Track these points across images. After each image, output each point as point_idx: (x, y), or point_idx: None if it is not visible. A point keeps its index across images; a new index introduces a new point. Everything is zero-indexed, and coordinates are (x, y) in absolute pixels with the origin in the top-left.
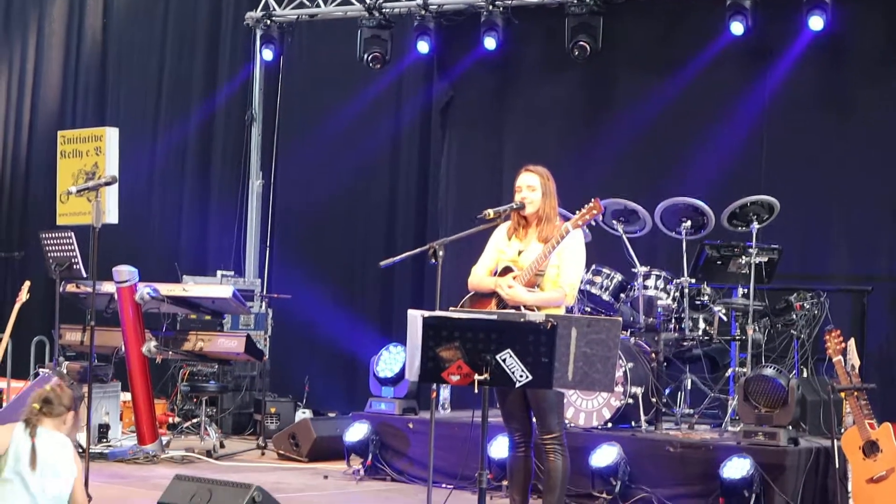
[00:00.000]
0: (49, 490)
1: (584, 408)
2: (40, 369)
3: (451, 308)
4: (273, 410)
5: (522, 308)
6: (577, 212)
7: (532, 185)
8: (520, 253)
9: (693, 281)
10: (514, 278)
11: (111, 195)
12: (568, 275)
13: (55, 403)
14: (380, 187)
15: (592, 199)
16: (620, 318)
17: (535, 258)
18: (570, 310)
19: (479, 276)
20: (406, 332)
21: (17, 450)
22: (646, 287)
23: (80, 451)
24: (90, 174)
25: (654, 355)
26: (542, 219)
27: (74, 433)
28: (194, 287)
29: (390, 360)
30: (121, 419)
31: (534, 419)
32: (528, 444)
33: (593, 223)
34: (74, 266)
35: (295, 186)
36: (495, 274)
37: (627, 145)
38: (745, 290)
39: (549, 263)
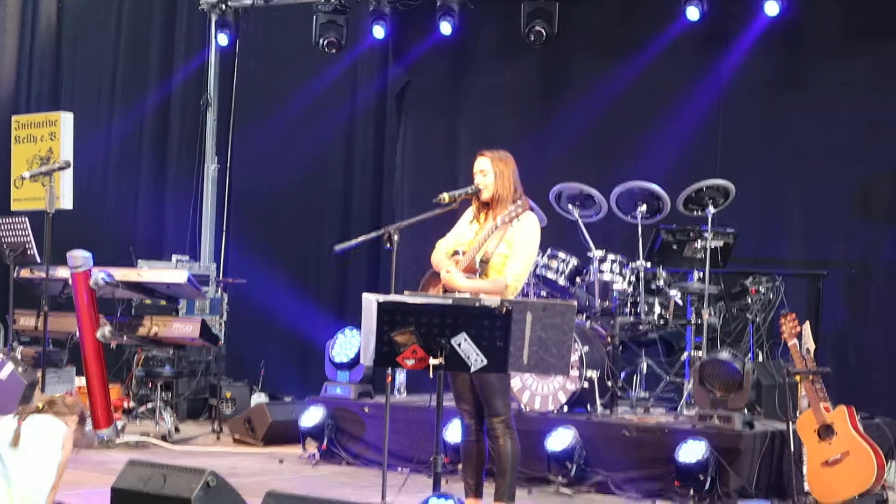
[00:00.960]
0: (27, 476)
1: (540, 391)
2: None
3: (406, 291)
4: (228, 395)
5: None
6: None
7: (484, 170)
8: (476, 236)
9: (649, 265)
10: (457, 263)
11: (65, 180)
12: (513, 266)
13: (59, 405)
14: (335, 172)
15: (521, 198)
16: (575, 303)
17: (477, 240)
18: (524, 294)
19: (438, 254)
20: (361, 317)
21: (1, 429)
22: (601, 271)
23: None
24: (45, 159)
25: (609, 339)
26: (499, 202)
27: (76, 448)
28: (149, 272)
29: (346, 345)
30: None
31: None
32: (481, 428)
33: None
34: (28, 251)
35: (250, 171)
36: (452, 256)
37: (583, 130)
38: (701, 275)
39: (497, 250)
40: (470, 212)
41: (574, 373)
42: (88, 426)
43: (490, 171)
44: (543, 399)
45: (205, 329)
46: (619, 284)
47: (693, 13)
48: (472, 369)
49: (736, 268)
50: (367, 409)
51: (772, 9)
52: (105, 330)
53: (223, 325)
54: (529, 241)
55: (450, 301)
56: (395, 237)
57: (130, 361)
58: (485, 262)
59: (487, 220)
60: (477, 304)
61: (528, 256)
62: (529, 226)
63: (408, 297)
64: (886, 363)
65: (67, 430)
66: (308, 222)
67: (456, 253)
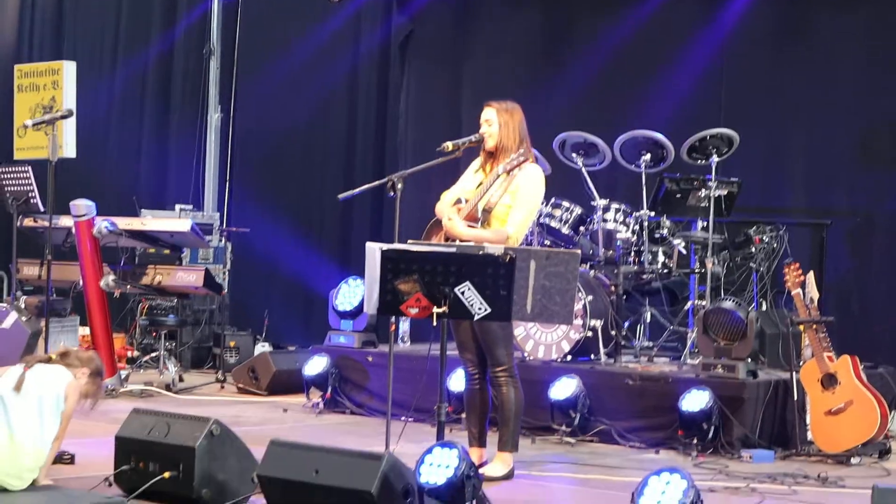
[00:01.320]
0: (29, 422)
1: (544, 340)
2: None
3: (410, 240)
4: (232, 344)
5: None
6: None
7: (489, 119)
8: (479, 186)
9: (652, 214)
10: (458, 210)
11: (69, 129)
12: (515, 216)
13: (72, 356)
14: (338, 121)
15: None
16: (579, 251)
17: (479, 190)
18: (528, 243)
19: (442, 203)
20: (365, 266)
21: (7, 375)
22: (605, 220)
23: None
24: (48, 108)
25: (613, 288)
26: (504, 152)
27: (90, 401)
28: (153, 221)
29: (349, 294)
30: None
31: None
32: (483, 377)
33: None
34: (32, 200)
35: (254, 120)
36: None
37: (587, 79)
38: (705, 224)
39: (501, 200)
40: (476, 163)
41: (578, 322)
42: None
43: (495, 121)
44: (547, 348)
45: (208, 278)
46: (623, 233)
47: None
48: (476, 318)
49: (740, 217)
50: (370, 359)
51: None
52: (109, 279)
53: (227, 274)
54: (533, 191)
55: (453, 249)
56: (399, 185)
57: (134, 310)
58: (487, 211)
59: (493, 170)
60: (480, 253)
61: (531, 207)
62: (533, 176)
63: (411, 246)
64: (890, 312)
65: (73, 382)
66: (311, 171)
67: (459, 202)
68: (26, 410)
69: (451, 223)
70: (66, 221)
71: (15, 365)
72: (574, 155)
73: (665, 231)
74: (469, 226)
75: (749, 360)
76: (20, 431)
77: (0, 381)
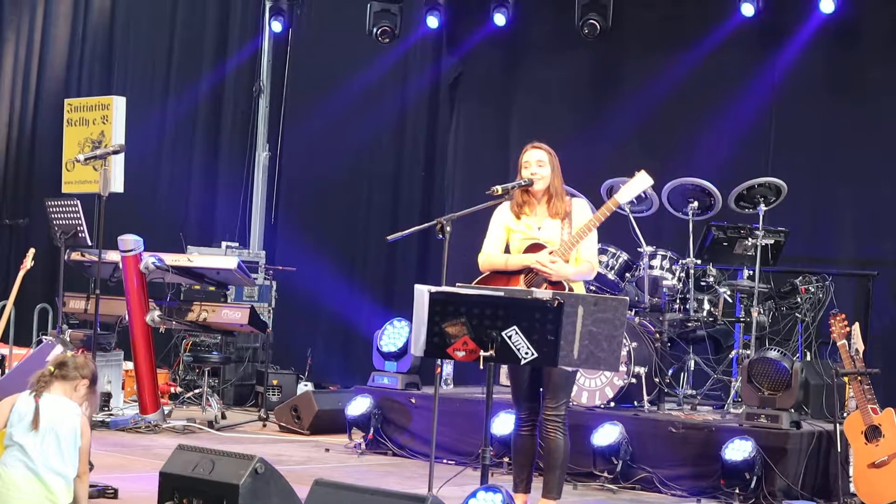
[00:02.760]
0: (52, 461)
1: (588, 386)
2: (43, 337)
3: (457, 283)
4: (275, 382)
5: (564, 284)
6: (623, 184)
7: (541, 161)
8: (539, 229)
9: (699, 262)
10: (551, 253)
11: (117, 164)
12: (589, 248)
13: (70, 367)
14: (385, 162)
15: (637, 171)
16: (627, 298)
17: (576, 233)
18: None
19: (492, 256)
20: (411, 307)
21: (21, 413)
22: (651, 267)
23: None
24: (96, 143)
25: (658, 335)
26: (552, 195)
27: (88, 408)
28: (199, 258)
29: (394, 335)
30: (123, 388)
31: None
32: (535, 422)
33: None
34: (80, 234)
35: (301, 159)
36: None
37: (635, 124)
38: (751, 272)
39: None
40: (504, 209)
41: (622, 368)
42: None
43: (547, 163)
44: (590, 394)
45: (253, 316)
46: (669, 281)
47: (748, 9)
48: (522, 362)
49: (786, 266)
50: (413, 400)
51: (827, 6)
52: (154, 314)
53: (271, 312)
54: (592, 220)
55: (501, 293)
56: (448, 228)
57: (178, 346)
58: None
59: (535, 211)
60: (529, 297)
61: (595, 238)
62: (586, 209)
63: (460, 289)
64: None
65: (83, 418)
66: (357, 211)
67: (538, 246)
68: (47, 449)
69: (557, 265)
70: (113, 256)
71: (21, 394)
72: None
73: (711, 279)
74: None
75: (793, 410)
76: (46, 472)
77: (15, 427)
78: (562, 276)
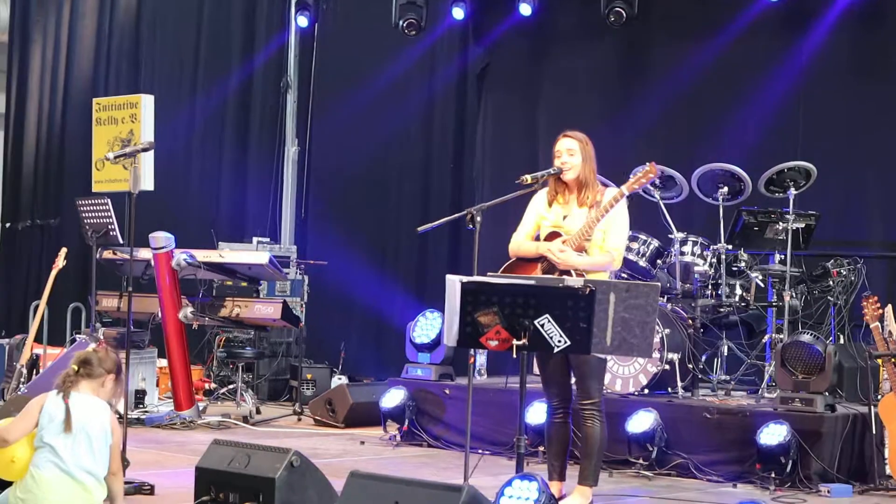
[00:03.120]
0: (83, 461)
1: (621, 374)
2: (77, 335)
3: (489, 273)
4: (309, 377)
5: (572, 273)
6: (632, 175)
7: (572, 150)
8: (564, 218)
9: (730, 247)
10: (563, 242)
11: (147, 162)
12: (614, 239)
13: (95, 365)
14: (415, 153)
15: (648, 163)
16: (659, 284)
17: (587, 222)
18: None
19: (520, 242)
20: (442, 298)
21: (51, 414)
22: (682, 253)
23: (119, 417)
24: (125, 141)
25: (690, 321)
26: (582, 184)
27: (116, 400)
28: (231, 253)
29: (427, 326)
30: (157, 385)
31: (573, 384)
32: (567, 410)
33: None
34: (111, 232)
35: (330, 153)
36: (536, 240)
37: (663, 111)
38: (782, 257)
39: (596, 227)
40: (541, 196)
41: (655, 355)
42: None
43: (578, 152)
44: (624, 381)
45: (286, 310)
46: (701, 266)
47: None
48: (556, 350)
49: (817, 250)
50: (448, 391)
51: None
52: (187, 311)
53: (304, 306)
54: (622, 216)
55: (533, 281)
56: (478, 218)
57: (212, 343)
58: (587, 240)
59: (568, 201)
60: (560, 285)
61: (623, 228)
62: (621, 203)
63: (491, 278)
64: None
65: (112, 415)
66: (387, 204)
67: (556, 234)
68: (78, 450)
69: (565, 255)
70: (144, 254)
71: (49, 394)
72: (651, 188)
73: (742, 264)
74: (578, 255)
75: (827, 393)
76: (78, 472)
77: (46, 429)
78: (568, 265)
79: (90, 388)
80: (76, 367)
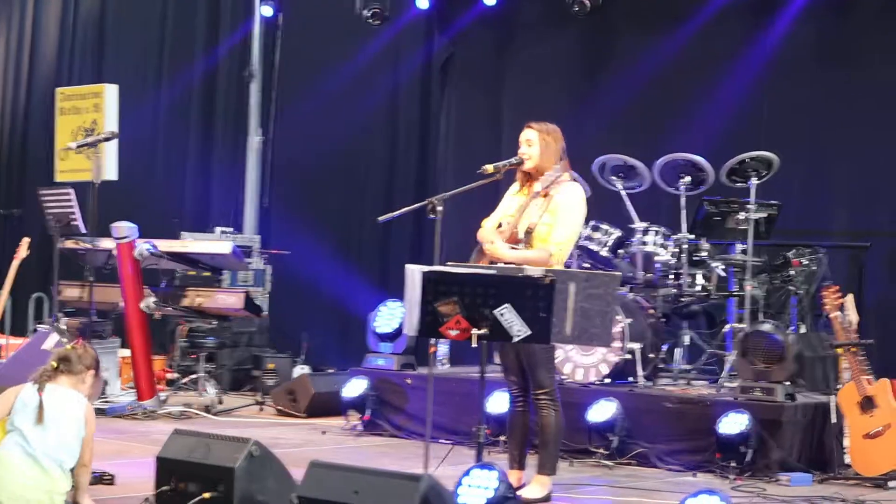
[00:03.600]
0: (52, 450)
1: (582, 363)
2: (39, 326)
3: (448, 262)
4: (271, 366)
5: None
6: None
7: (530, 140)
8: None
9: (692, 237)
10: (500, 233)
11: (110, 151)
12: (557, 234)
13: (74, 362)
14: (379, 144)
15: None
16: (619, 273)
17: (516, 210)
18: (568, 266)
19: (484, 230)
20: (404, 288)
21: (24, 401)
22: (644, 243)
23: None
24: (89, 131)
25: (652, 311)
26: (540, 174)
27: (94, 396)
28: (193, 243)
29: (388, 316)
30: (119, 375)
31: None
32: (527, 399)
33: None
34: (73, 222)
35: (294, 143)
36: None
37: (627, 101)
38: (744, 246)
39: (542, 220)
40: (514, 186)
41: (616, 344)
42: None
43: (536, 142)
44: (586, 370)
45: (248, 300)
46: (662, 256)
47: None
48: (515, 339)
49: (779, 240)
50: (409, 381)
51: None
52: (149, 301)
53: (266, 296)
54: (574, 210)
55: (493, 271)
56: (439, 208)
57: (174, 333)
58: (529, 232)
59: (531, 190)
60: (520, 275)
61: (572, 225)
62: (573, 195)
63: (451, 268)
64: None
65: (88, 406)
66: (351, 194)
67: (500, 225)
68: (48, 438)
69: (493, 246)
70: (107, 244)
71: (26, 384)
72: (614, 178)
73: (704, 254)
74: (511, 248)
75: (787, 383)
76: (45, 459)
77: (18, 414)
78: (496, 256)
79: (70, 383)
80: (55, 364)
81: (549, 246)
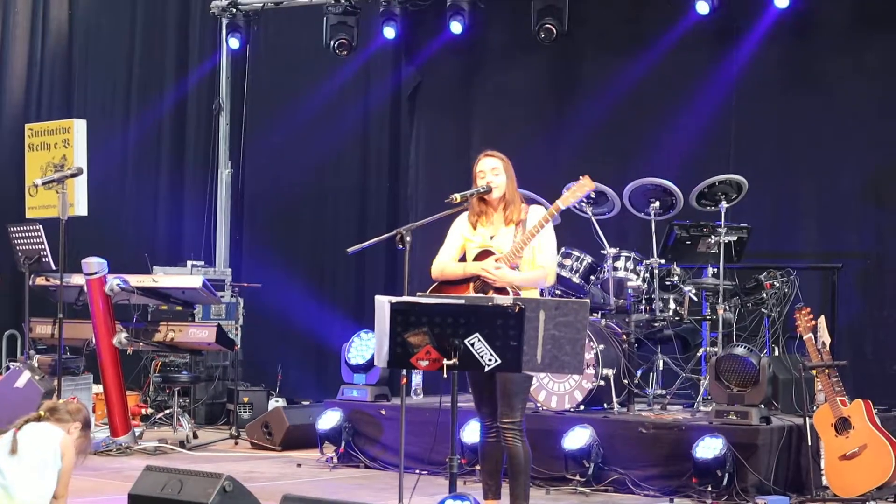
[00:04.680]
0: (25, 482)
1: (556, 391)
2: (11, 363)
3: (419, 293)
4: (246, 400)
5: (509, 290)
6: (566, 189)
7: (496, 169)
8: (492, 238)
9: (663, 261)
10: (497, 260)
11: (79, 187)
12: (544, 255)
13: (62, 411)
14: (350, 174)
15: (582, 176)
16: (588, 300)
17: (521, 239)
18: (541, 291)
19: (445, 264)
20: (375, 319)
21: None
22: (616, 268)
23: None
24: (59, 166)
25: (625, 337)
26: (508, 202)
27: (83, 456)
28: (164, 278)
29: (361, 347)
30: (93, 411)
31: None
32: (500, 429)
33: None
34: (43, 259)
35: (264, 175)
36: (462, 261)
37: (595, 126)
38: (715, 270)
39: (527, 244)
40: (463, 218)
41: (590, 371)
42: (96, 432)
43: (502, 171)
44: (560, 398)
45: (220, 334)
46: (634, 281)
47: (703, 7)
48: (486, 369)
49: (750, 262)
50: (383, 412)
51: (782, 1)
52: (121, 336)
53: (239, 329)
54: (550, 232)
55: (462, 301)
56: (408, 238)
57: (147, 367)
58: (519, 258)
59: (491, 219)
60: (490, 304)
61: (553, 244)
62: (540, 214)
63: (420, 298)
64: None
65: (66, 437)
66: (323, 225)
67: (487, 253)
68: (24, 471)
69: (500, 272)
70: (77, 280)
71: (6, 430)
72: (583, 204)
73: (676, 278)
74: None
75: (762, 406)
76: (20, 492)
77: None
78: (505, 281)
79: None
80: (42, 413)
81: (543, 267)
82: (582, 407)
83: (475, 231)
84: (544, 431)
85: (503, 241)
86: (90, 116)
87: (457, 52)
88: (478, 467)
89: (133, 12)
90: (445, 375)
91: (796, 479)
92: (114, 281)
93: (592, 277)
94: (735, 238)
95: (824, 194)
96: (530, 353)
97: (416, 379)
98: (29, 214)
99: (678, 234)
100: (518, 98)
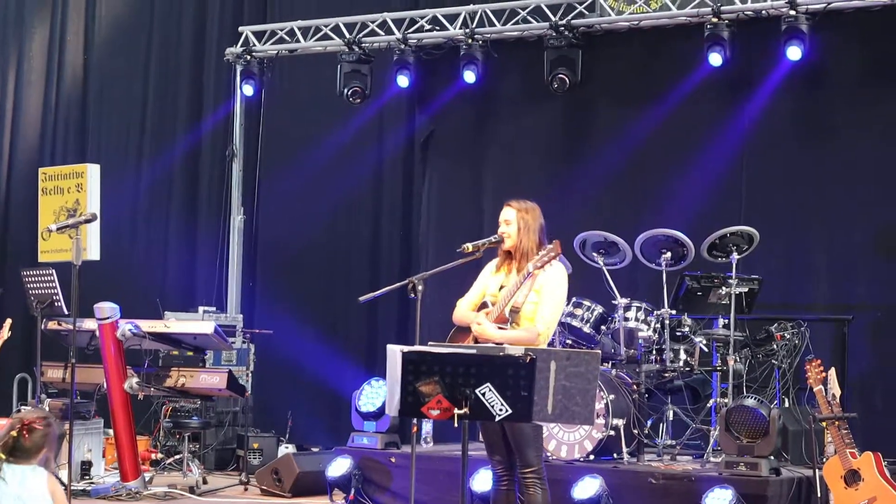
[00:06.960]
0: None
1: (566, 440)
2: (22, 407)
3: (430, 342)
4: (256, 446)
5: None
6: (537, 254)
7: (508, 220)
8: (501, 288)
9: (674, 312)
10: (486, 314)
11: (92, 232)
12: (543, 313)
13: (21, 450)
14: (362, 222)
15: (553, 242)
16: (599, 351)
17: (503, 293)
18: (550, 343)
19: (461, 310)
20: (387, 368)
21: None
22: (626, 319)
23: (63, 486)
24: (72, 211)
25: (635, 387)
26: (522, 253)
27: (52, 458)
28: (176, 323)
29: (372, 395)
30: (103, 456)
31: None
32: (512, 478)
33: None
34: (56, 303)
35: (277, 222)
36: (479, 308)
37: (607, 177)
38: (726, 321)
39: (528, 299)
40: (492, 264)
41: (600, 421)
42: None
43: (514, 221)
44: (570, 447)
45: (231, 380)
46: (645, 332)
47: (716, 59)
48: (497, 419)
49: (761, 314)
50: (393, 460)
51: (794, 53)
52: (132, 381)
53: (250, 375)
54: (558, 288)
55: (474, 350)
56: (420, 287)
57: (158, 413)
58: (515, 311)
59: (511, 270)
60: (501, 354)
61: (557, 303)
62: (557, 273)
63: (432, 347)
64: None
65: (51, 478)
66: (335, 272)
67: (485, 305)
68: None
69: (480, 328)
70: (89, 324)
71: None
72: (595, 254)
73: (686, 329)
74: (499, 328)
75: (772, 457)
76: None
77: None
78: (485, 337)
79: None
80: (3, 457)
81: (536, 325)
82: (592, 457)
83: (493, 279)
84: (554, 481)
85: (516, 291)
86: (104, 161)
87: (470, 101)
88: None
89: (147, 58)
90: (456, 425)
91: None
92: (126, 326)
93: (603, 327)
94: (746, 289)
95: (835, 246)
96: (541, 404)
97: (426, 427)
98: (42, 258)
99: (689, 284)
100: (530, 147)
